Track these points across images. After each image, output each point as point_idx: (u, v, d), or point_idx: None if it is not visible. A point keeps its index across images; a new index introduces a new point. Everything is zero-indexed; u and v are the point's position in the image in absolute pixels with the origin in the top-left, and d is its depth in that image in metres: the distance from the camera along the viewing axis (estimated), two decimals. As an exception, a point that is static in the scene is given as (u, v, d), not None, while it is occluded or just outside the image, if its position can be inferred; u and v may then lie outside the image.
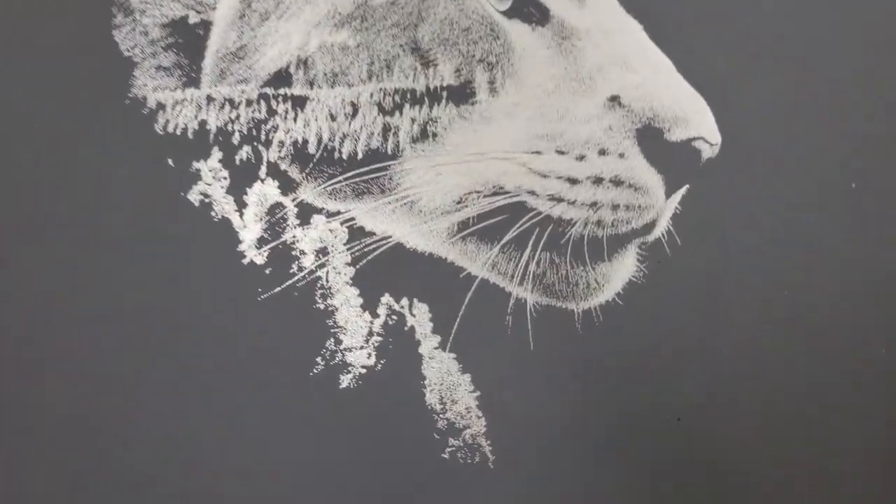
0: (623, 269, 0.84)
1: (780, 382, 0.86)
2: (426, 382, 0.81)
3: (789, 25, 0.86)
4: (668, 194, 0.81)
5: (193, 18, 0.84)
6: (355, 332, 0.80)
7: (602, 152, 0.79)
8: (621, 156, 0.79)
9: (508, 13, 0.79)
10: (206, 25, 0.84)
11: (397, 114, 0.80)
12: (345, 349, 0.80)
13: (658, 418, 0.83)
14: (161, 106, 0.83)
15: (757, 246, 0.85)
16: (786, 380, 0.86)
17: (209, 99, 0.82)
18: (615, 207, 0.79)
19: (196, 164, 0.82)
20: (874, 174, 0.85)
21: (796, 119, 0.85)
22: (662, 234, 0.83)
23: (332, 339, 0.80)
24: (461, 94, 0.80)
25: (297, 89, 0.82)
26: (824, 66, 0.85)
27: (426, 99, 0.80)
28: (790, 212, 0.85)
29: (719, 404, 0.85)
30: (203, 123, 0.82)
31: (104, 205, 0.81)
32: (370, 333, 0.81)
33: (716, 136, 0.81)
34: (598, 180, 0.79)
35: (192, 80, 0.82)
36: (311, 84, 0.81)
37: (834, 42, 0.86)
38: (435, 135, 0.80)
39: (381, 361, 0.81)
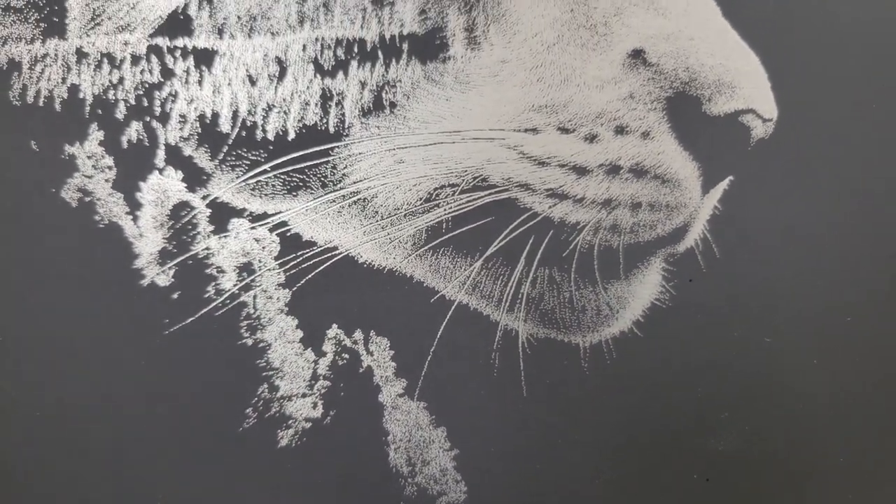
0: (644, 289, 0.52)
1: (836, 426, 0.52)
2: (389, 439, 0.50)
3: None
4: (706, 189, 0.50)
5: None
6: (295, 374, 0.50)
7: (620, 130, 0.48)
8: (645, 135, 0.48)
9: None
10: (69, -57, 0.51)
11: (341, 75, 0.49)
12: (283, 397, 0.49)
13: (683, 481, 0.51)
14: (15, 65, 0.50)
15: (822, 259, 0.51)
16: (840, 422, 0.52)
17: (80, 54, 0.50)
18: (636, 207, 0.48)
19: (69, 149, 0.49)
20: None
21: (881, 88, 0.50)
22: (696, 244, 0.52)
23: (266, 385, 0.49)
24: (428, 46, 0.49)
25: (201, 40, 0.49)
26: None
27: (380, 53, 0.49)
28: (868, 213, 0.51)
29: (754, 467, 0.52)
30: (74, 90, 0.50)
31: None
32: (315, 377, 0.50)
33: (772, 110, 0.50)
34: (613, 169, 0.48)
35: (55, 28, 0.50)
36: (221, 32, 0.49)
37: None
38: (393, 105, 0.49)
39: (331, 413, 0.50)
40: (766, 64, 0.47)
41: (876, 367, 0.51)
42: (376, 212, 0.48)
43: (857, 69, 0.51)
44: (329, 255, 0.49)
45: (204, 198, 0.49)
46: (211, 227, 0.49)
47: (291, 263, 0.49)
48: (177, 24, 0.48)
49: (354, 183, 0.48)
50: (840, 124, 0.51)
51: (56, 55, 0.49)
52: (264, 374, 0.49)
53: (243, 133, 0.48)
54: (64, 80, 0.49)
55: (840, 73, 0.51)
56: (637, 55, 0.47)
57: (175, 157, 0.49)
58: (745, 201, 0.50)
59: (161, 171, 0.49)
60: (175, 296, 0.48)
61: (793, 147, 0.50)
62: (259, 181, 0.48)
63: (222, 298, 0.49)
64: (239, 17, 0.48)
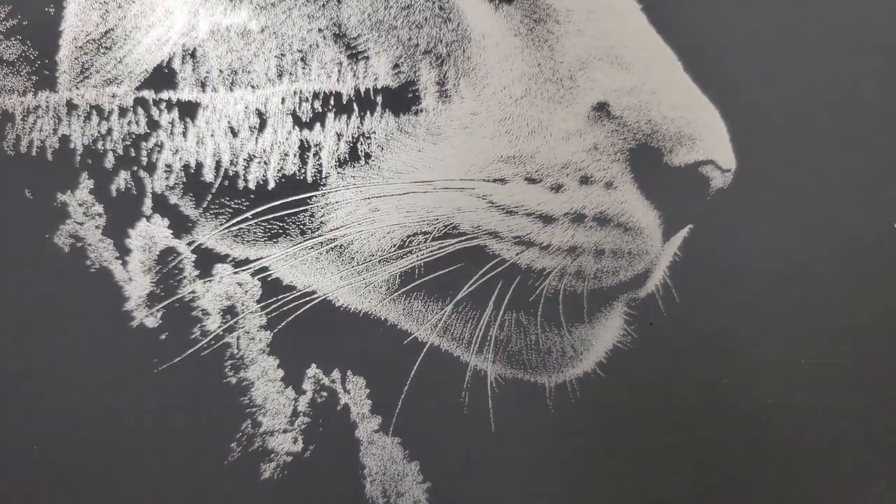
0: (606, 332, 0.51)
1: (795, 473, 0.52)
2: (365, 472, 0.49)
3: (826, 14, 0.49)
4: (667, 237, 0.48)
5: None
6: (277, 411, 0.49)
7: (585, 180, 0.47)
8: (609, 185, 0.47)
9: None
10: (59, 1, 0.51)
11: (318, 127, 0.48)
12: (265, 433, 0.49)
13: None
14: (7, 116, 0.50)
15: (777, 305, 0.50)
16: (799, 468, 0.52)
17: (70, 106, 0.49)
18: (599, 254, 0.47)
19: (61, 196, 0.48)
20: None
21: (829, 139, 0.50)
22: (656, 289, 0.50)
23: (249, 421, 0.49)
24: (401, 99, 0.47)
25: (185, 93, 0.49)
26: (858, 69, 0.49)
27: (355, 106, 0.48)
28: (815, 261, 0.49)
29: (721, 499, 0.51)
30: (65, 140, 0.50)
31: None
32: (295, 413, 0.49)
33: (730, 161, 0.48)
34: (578, 218, 0.47)
35: (46, 80, 0.50)
36: (203, 85, 0.49)
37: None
38: (368, 156, 0.48)
39: (310, 447, 0.49)
40: (725, 116, 0.46)
41: (832, 408, 0.50)
42: (352, 258, 0.47)
43: (813, 120, 0.50)
44: (308, 298, 0.48)
45: (189, 244, 0.48)
46: (196, 272, 0.48)
47: (272, 307, 0.48)
48: (162, 77, 0.47)
49: (332, 230, 0.47)
50: (798, 175, 0.50)
51: (47, 107, 0.48)
52: (248, 410, 0.49)
53: (226, 182, 0.47)
54: (55, 130, 0.48)
55: (797, 124, 0.50)
56: (601, 108, 0.46)
57: (161, 205, 0.48)
58: (704, 249, 0.49)
59: (148, 218, 0.48)
60: (163, 337, 0.48)
61: (751, 197, 0.49)
62: (241, 228, 0.48)
63: (207, 339, 0.48)
64: (221, 71, 0.47)
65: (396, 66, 0.46)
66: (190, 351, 0.48)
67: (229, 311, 0.48)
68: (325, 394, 0.49)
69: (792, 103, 0.50)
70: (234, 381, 0.49)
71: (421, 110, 0.46)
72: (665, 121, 0.46)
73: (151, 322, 0.48)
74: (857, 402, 0.50)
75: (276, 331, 0.48)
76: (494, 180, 0.46)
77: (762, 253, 0.49)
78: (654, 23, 0.47)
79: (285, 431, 0.49)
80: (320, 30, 0.46)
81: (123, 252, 0.48)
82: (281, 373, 0.49)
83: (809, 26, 0.50)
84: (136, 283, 0.48)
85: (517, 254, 0.46)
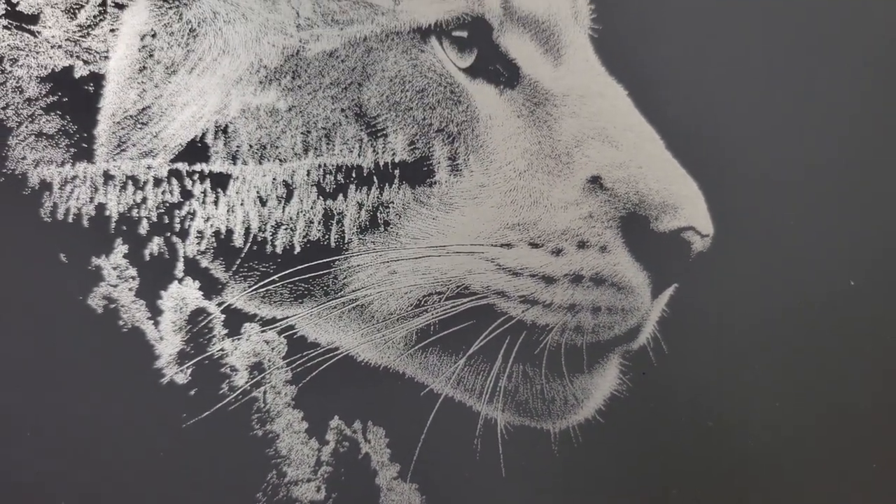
0: (604, 382, 0.52)
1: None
2: (384, 517, 0.48)
3: (789, 97, 0.52)
4: (655, 295, 0.50)
5: (81, 70, 0.50)
6: (301, 462, 0.48)
7: (582, 245, 0.48)
8: (603, 249, 0.48)
9: (472, 71, 0.47)
10: (98, 80, 0.50)
11: (341, 197, 0.49)
12: (290, 482, 0.48)
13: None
14: (46, 185, 0.49)
15: (754, 355, 0.52)
16: (777, 498, 0.53)
17: (107, 176, 0.49)
18: (596, 311, 0.49)
19: (96, 261, 0.47)
20: (877, 273, 0.52)
21: (799, 208, 0.52)
22: (648, 342, 0.52)
23: (275, 472, 0.48)
24: (417, 172, 0.49)
25: (217, 165, 0.49)
26: (822, 141, 0.52)
27: (375, 178, 0.49)
28: (790, 315, 0.51)
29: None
30: (101, 208, 0.49)
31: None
32: (318, 463, 0.49)
33: (708, 227, 0.50)
34: (577, 278, 0.48)
35: (84, 153, 0.49)
36: (234, 158, 0.49)
37: (835, 130, 0.52)
38: (387, 223, 0.49)
39: (333, 495, 0.49)
40: (703, 188, 0.48)
41: (807, 446, 0.51)
42: (373, 316, 0.48)
43: (783, 188, 0.52)
44: (331, 354, 0.48)
45: (219, 304, 0.48)
46: (225, 331, 0.48)
47: (298, 362, 0.48)
48: (195, 150, 0.47)
49: (353, 291, 0.47)
50: (771, 238, 0.52)
51: (85, 177, 0.48)
52: (273, 461, 0.48)
53: (254, 247, 0.47)
54: (92, 199, 0.48)
55: (768, 193, 0.52)
56: (595, 181, 0.48)
57: (193, 268, 0.48)
58: (689, 305, 0.50)
59: (180, 280, 0.47)
60: (192, 392, 0.47)
61: (728, 258, 0.50)
62: (269, 290, 0.47)
63: (235, 394, 0.47)
64: (251, 146, 0.47)
65: (412, 142, 0.47)
66: (218, 406, 0.47)
67: (256, 368, 0.48)
68: (346, 444, 0.48)
69: (763, 174, 0.52)
70: (260, 433, 0.48)
71: (435, 182, 0.47)
72: (651, 192, 0.48)
73: (181, 378, 0.47)
74: (829, 442, 0.51)
75: (300, 385, 0.48)
76: (501, 245, 0.47)
77: (740, 309, 0.52)
78: (639, 107, 0.49)
79: (309, 480, 0.48)
80: (343, 110, 0.47)
81: (155, 312, 0.48)
82: (305, 425, 0.48)
83: (776, 104, 0.53)
84: (167, 341, 0.47)
85: (523, 311, 0.48)
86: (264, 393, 0.49)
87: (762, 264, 0.53)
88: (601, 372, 0.50)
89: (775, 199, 0.53)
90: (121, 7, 0.50)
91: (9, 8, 0.50)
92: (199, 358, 0.49)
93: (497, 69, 0.49)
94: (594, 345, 0.49)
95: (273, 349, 0.50)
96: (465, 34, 0.49)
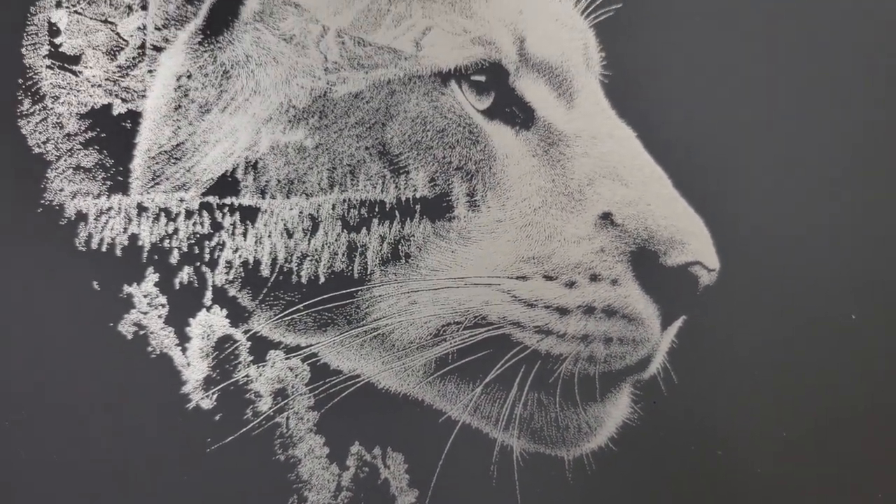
0: (616, 410, 0.53)
1: None
2: (401, 542, 0.49)
3: (794, 139, 0.55)
4: (664, 326, 0.51)
5: (119, 108, 0.53)
6: (322, 486, 0.49)
7: (594, 278, 0.50)
8: (614, 282, 0.50)
9: (489, 113, 0.49)
10: (135, 117, 0.53)
11: (364, 230, 0.51)
12: None
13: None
14: (82, 216, 0.52)
15: (761, 385, 0.54)
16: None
17: (140, 208, 0.52)
18: (608, 341, 0.50)
19: (127, 289, 0.49)
20: (879, 307, 0.54)
21: (801, 243, 0.54)
22: (658, 371, 0.53)
23: (296, 496, 0.49)
24: (437, 208, 0.51)
25: (246, 199, 0.51)
26: (827, 178, 0.54)
27: (397, 213, 0.51)
28: (796, 345, 0.53)
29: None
30: (134, 238, 0.51)
31: (12, 338, 0.47)
32: (339, 488, 0.49)
33: (714, 262, 0.52)
34: (589, 310, 0.50)
35: (119, 185, 0.52)
36: (263, 193, 0.52)
37: (843, 168, 0.55)
38: (408, 256, 0.51)
39: None
40: (709, 224, 0.50)
41: (810, 475, 0.52)
42: (393, 345, 0.49)
43: (785, 227, 0.54)
44: (353, 381, 0.50)
45: (245, 332, 0.49)
46: (251, 358, 0.49)
47: (320, 389, 0.49)
48: (226, 185, 0.50)
49: (375, 321, 0.49)
50: (775, 273, 0.54)
51: (119, 209, 0.50)
52: (295, 486, 0.49)
53: (280, 277, 0.49)
54: (125, 230, 0.50)
55: (771, 229, 0.54)
56: (606, 217, 0.50)
57: (221, 297, 0.49)
58: (697, 336, 0.52)
59: (208, 308, 0.49)
60: (217, 418, 0.48)
61: (735, 291, 0.52)
62: (293, 318, 0.49)
63: (259, 420, 0.49)
64: (279, 181, 0.49)
65: (433, 179, 0.49)
66: (242, 431, 0.48)
67: (280, 394, 0.49)
68: (366, 469, 0.49)
69: (767, 211, 0.54)
70: (282, 458, 0.49)
71: (454, 217, 0.49)
72: (659, 228, 0.50)
73: (207, 404, 0.49)
74: (839, 472, 0.52)
75: (323, 411, 0.49)
76: (517, 277, 0.49)
77: (747, 340, 0.53)
78: (647, 148, 0.51)
79: (328, 505, 0.49)
80: (367, 148, 0.49)
81: (183, 339, 0.49)
82: (327, 450, 0.50)
83: (781, 146, 0.55)
84: (194, 367, 0.49)
85: (538, 341, 0.49)
86: (287, 418, 0.50)
87: (768, 297, 0.54)
88: (613, 401, 0.51)
89: (780, 234, 0.55)
90: (158, 49, 0.53)
91: (52, 49, 0.53)
92: (225, 384, 0.50)
93: (513, 111, 0.51)
94: (606, 374, 0.50)
95: (297, 376, 0.51)
96: (483, 78, 0.52)
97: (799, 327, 0.54)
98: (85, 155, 0.52)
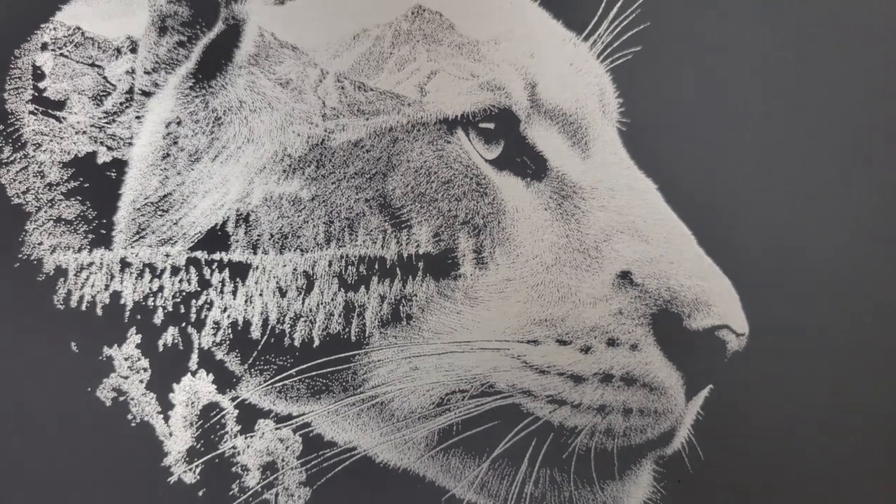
0: (637, 489, 0.49)
1: None
2: None
3: (827, 193, 0.51)
4: (689, 396, 0.47)
5: (104, 156, 0.50)
6: None
7: (611, 343, 0.46)
8: (634, 347, 0.46)
9: (498, 163, 0.47)
10: (121, 166, 0.50)
11: (363, 289, 0.47)
12: None
13: None
14: (61, 272, 0.48)
15: (795, 462, 0.48)
16: None
17: (124, 264, 0.48)
18: (627, 412, 0.46)
19: (107, 351, 0.45)
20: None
21: (838, 307, 0.50)
22: (682, 446, 0.49)
23: None
24: (441, 265, 0.47)
25: (237, 254, 0.47)
26: (863, 232, 0.50)
27: (398, 270, 0.47)
28: (834, 418, 0.48)
29: None
30: (116, 296, 0.48)
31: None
32: None
33: (743, 326, 0.47)
34: (606, 378, 0.45)
35: (102, 239, 0.48)
36: (255, 248, 0.48)
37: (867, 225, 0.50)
38: (410, 317, 0.47)
39: None
40: (737, 285, 0.46)
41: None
42: (392, 414, 0.45)
43: (821, 288, 0.50)
44: (348, 455, 0.46)
45: (233, 399, 0.45)
46: (238, 427, 0.45)
47: (313, 462, 0.45)
48: (215, 239, 0.46)
49: (373, 388, 0.45)
50: (807, 340, 0.49)
51: (101, 264, 0.46)
52: (282, 571, 0.44)
53: (272, 340, 0.45)
54: (107, 286, 0.46)
55: (801, 290, 0.50)
56: (625, 276, 0.46)
57: (207, 360, 0.46)
58: (725, 408, 0.48)
59: (194, 373, 0.46)
60: (200, 493, 0.44)
61: (769, 357, 0.48)
62: (285, 385, 0.45)
63: (246, 496, 0.45)
64: (272, 235, 0.46)
65: (437, 234, 0.46)
66: (227, 508, 0.44)
67: (269, 468, 0.45)
68: (362, 551, 0.44)
69: (801, 271, 0.50)
70: (270, 538, 0.44)
71: (459, 276, 0.46)
72: (683, 288, 0.46)
73: (189, 478, 0.44)
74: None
75: (315, 487, 0.45)
76: (528, 341, 0.45)
77: (780, 411, 0.48)
78: (669, 201, 0.48)
79: (320, 592, 0.44)
80: (367, 200, 0.46)
81: (166, 407, 0.45)
82: (319, 529, 0.45)
83: (815, 199, 0.51)
84: (177, 437, 0.45)
85: (550, 412, 0.45)
86: (276, 495, 0.46)
87: (801, 364, 0.50)
88: (633, 479, 0.47)
89: (814, 296, 0.51)
90: (147, 94, 0.50)
91: (36, 94, 0.50)
92: (210, 456, 0.46)
93: (524, 161, 0.48)
94: (625, 449, 0.46)
95: (287, 448, 0.47)
96: (491, 126, 0.48)
97: (839, 396, 0.50)
98: (66, 206, 0.49)
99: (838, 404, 0.50)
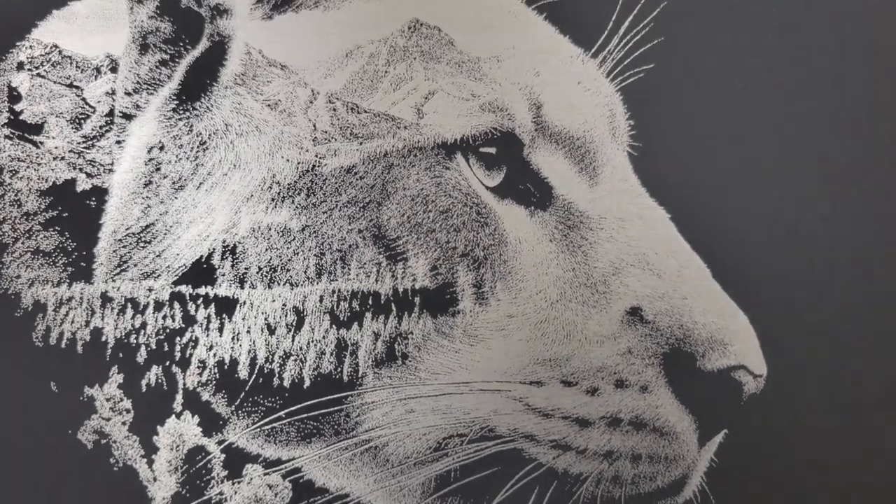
0: None
1: None
2: None
3: (846, 222, 0.47)
4: (702, 442, 0.44)
5: (83, 184, 0.47)
6: None
7: (620, 384, 0.43)
8: (644, 389, 0.43)
9: (500, 191, 0.44)
10: (101, 195, 0.47)
11: (356, 326, 0.44)
12: None
13: None
14: (40, 307, 0.46)
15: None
16: None
17: (105, 298, 0.45)
18: (636, 459, 0.43)
19: (88, 391, 0.43)
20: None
21: (858, 341, 0.46)
22: (694, 495, 0.46)
23: None
24: (439, 300, 0.44)
25: (223, 288, 0.45)
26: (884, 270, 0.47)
27: (393, 306, 0.44)
28: (854, 466, 0.45)
29: None
30: (97, 333, 0.45)
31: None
32: None
33: (761, 366, 0.44)
34: (614, 422, 0.43)
35: (82, 272, 0.46)
36: (242, 282, 0.45)
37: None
38: (405, 356, 0.44)
39: None
40: (754, 322, 0.43)
41: None
42: (387, 460, 0.43)
43: (842, 325, 0.47)
44: (340, 502, 0.43)
45: (219, 443, 0.43)
46: (225, 472, 0.43)
47: (303, 510, 0.43)
48: (200, 272, 0.44)
49: (366, 431, 0.43)
50: (829, 383, 0.46)
51: (81, 298, 0.44)
52: None
53: (260, 380, 0.43)
54: (87, 323, 0.44)
55: (823, 328, 0.47)
56: (634, 313, 0.44)
57: (193, 401, 0.44)
58: (740, 454, 0.45)
59: (178, 415, 0.43)
60: (185, 542, 0.42)
61: (788, 400, 0.45)
62: (274, 428, 0.43)
63: (233, 546, 0.42)
64: (260, 268, 0.43)
65: (434, 267, 0.43)
66: (213, 557, 0.42)
67: (258, 515, 0.42)
68: None
69: (821, 308, 0.47)
70: (258, 590, 0.42)
71: (458, 312, 0.43)
72: (697, 326, 0.43)
73: (174, 525, 0.42)
74: None
75: (305, 536, 0.42)
76: (531, 383, 0.43)
77: (798, 459, 0.45)
78: (683, 232, 0.45)
79: None
80: (360, 230, 0.43)
81: (150, 450, 0.43)
82: (309, 582, 0.42)
83: (835, 231, 0.48)
84: (161, 483, 0.43)
85: (554, 458, 0.43)
86: (265, 544, 0.44)
87: (822, 408, 0.48)
88: (641, 529, 0.47)
89: (837, 335, 0.49)
90: (128, 117, 0.47)
91: (12, 117, 0.48)
92: (196, 502, 0.44)
93: (528, 189, 0.45)
94: (634, 498, 0.43)
95: (277, 494, 0.45)
96: (493, 150, 0.45)
97: (860, 444, 0.47)
98: (45, 237, 0.47)
99: (863, 452, 0.47)
